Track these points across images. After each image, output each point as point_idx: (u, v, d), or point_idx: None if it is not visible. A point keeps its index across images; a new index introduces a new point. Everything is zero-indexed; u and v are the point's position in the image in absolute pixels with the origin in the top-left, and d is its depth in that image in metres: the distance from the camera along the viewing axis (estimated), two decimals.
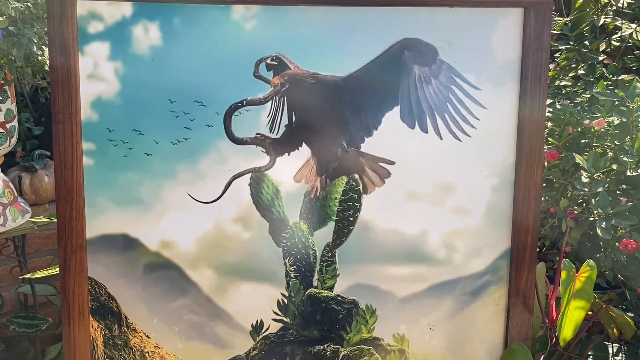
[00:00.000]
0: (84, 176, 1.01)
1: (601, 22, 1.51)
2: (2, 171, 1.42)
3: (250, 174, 1.04)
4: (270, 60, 1.01)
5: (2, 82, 1.20)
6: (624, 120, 1.23)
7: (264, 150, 1.03)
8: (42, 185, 1.59)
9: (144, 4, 0.98)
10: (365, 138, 1.04)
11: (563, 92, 1.53)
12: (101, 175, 1.02)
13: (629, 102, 1.22)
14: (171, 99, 1.01)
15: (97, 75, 1.00)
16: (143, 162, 1.02)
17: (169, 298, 1.05)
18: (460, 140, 1.05)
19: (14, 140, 1.35)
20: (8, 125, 1.31)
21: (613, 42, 1.55)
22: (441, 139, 1.04)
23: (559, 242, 1.37)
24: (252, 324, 1.07)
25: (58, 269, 1.27)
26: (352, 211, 1.05)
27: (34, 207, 1.58)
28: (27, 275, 1.32)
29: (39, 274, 1.27)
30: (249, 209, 1.04)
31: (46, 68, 1.20)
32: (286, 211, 1.05)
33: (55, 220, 1.27)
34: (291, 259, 1.06)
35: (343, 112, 1.03)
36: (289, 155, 1.04)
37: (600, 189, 1.16)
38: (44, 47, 1.19)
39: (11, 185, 1.41)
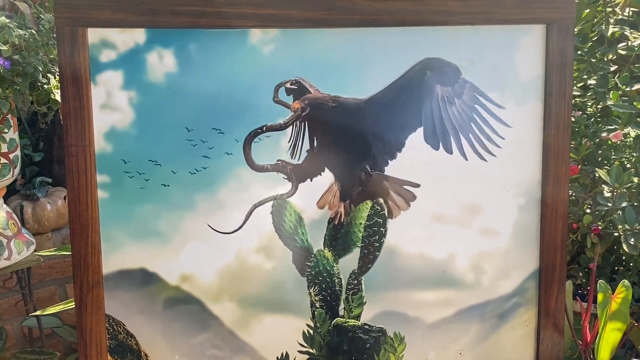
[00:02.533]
0: (99, 210, 0.97)
1: (610, 31, 1.50)
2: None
3: (272, 202, 1.00)
4: (290, 85, 0.98)
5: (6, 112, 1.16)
6: None
7: (286, 177, 1.00)
8: (45, 214, 1.54)
9: (157, 30, 0.95)
10: (389, 161, 1.01)
11: (573, 102, 1.52)
12: (117, 208, 0.98)
13: None
14: (188, 128, 0.97)
15: (110, 105, 0.96)
16: (160, 194, 0.98)
17: (190, 333, 1.01)
18: (485, 160, 1.02)
19: (17, 171, 1.31)
20: (11, 156, 1.27)
21: (620, 51, 1.54)
22: (466, 159, 1.02)
23: (580, 257, 1.35)
24: (277, 357, 1.03)
25: (68, 304, 1.22)
26: (377, 236, 1.02)
27: (36, 236, 1.53)
28: (37, 313, 1.27)
29: (50, 311, 1.22)
30: (271, 238, 1.01)
31: (52, 97, 1.16)
32: (310, 239, 1.01)
33: (61, 252, 1.22)
34: (316, 288, 1.02)
35: (366, 135, 1.00)
36: (311, 181, 1.01)
37: (624, 204, 1.15)
38: (49, 74, 1.15)
39: (14, 216, 1.37)
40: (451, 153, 1.01)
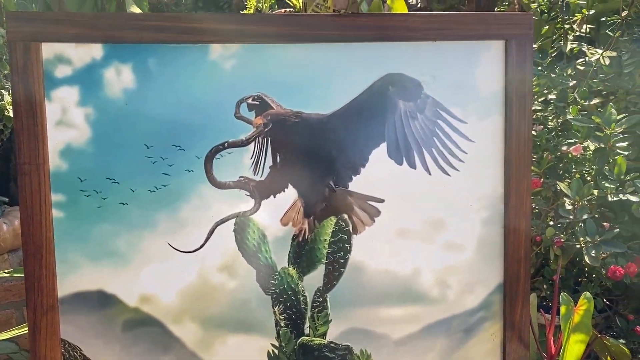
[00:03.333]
0: (54, 230, 0.94)
1: (568, 47, 1.54)
2: None
3: (235, 219, 0.98)
4: (252, 100, 0.96)
5: None
6: (602, 146, 1.24)
7: (249, 194, 0.98)
8: (1, 235, 1.49)
9: (115, 45, 0.93)
10: (353, 176, 1.00)
11: (535, 117, 1.55)
12: (73, 228, 0.94)
13: (605, 128, 1.23)
14: (148, 144, 0.95)
15: (66, 122, 0.93)
16: (119, 213, 0.95)
17: (151, 356, 0.98)
18: (448, 174, 1.02)
19: None
20: None
21: (578, 67, 1.58)
22: (429, 174, 1.02)
23: (544, 269, 1.37)
24: None
25: (24, 328, 1.17)
26: (342, 253, 1.01)
27: None
28: None
29: (5, 335, 1.17)
30: (234, 257, 0.99)
31: (6, 113, 1.12)
32: (274, 256, 1.00)
33: (17, 275, 1.18)
34: (280, 306, 1.00)
35: (329, 150, 0.99)
36: (274, 197, 0.99)
37: (585, 216, 1.16)
38: (3, 90, 1.12)
39: None
40: (415, 168, 1.01)
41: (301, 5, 3.29)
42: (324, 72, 0.98)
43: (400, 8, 2.00)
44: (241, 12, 3.12)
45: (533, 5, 1.64)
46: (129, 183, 0.95)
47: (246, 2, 3.13)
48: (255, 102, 0.97)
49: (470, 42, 1.02)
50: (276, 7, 3.41)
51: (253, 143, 0.97)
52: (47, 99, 0.92)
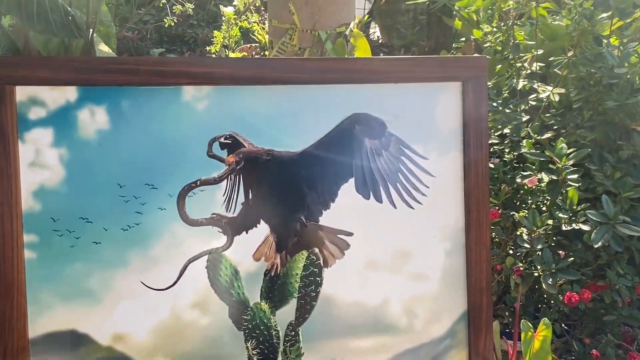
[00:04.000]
0: (26, 271, 0.94)
1: (520, 85, 1.64)
2: None
3: (207, 256, 1.00)
4: (224, 139, 1.00)
5: None
6: (555, 178, 1.32)
7: (221, 230, 1.00)
8: None
9: (89, 87, 0.95)
10: (323, 211, 1.04)
11: (491, 150, 1.63)
12: (45, 268, 0.95)
13: (557, 162, 1.31)
14: (120, 184, 0.97)
15: (39, 163, 0.94)
16: (91, 252, 0.96)
17: None
18: (412, 207, 1.07)
19: None
20: None
21: (531, 102, 1.67)
22: (395, 207, 1.07)
23: (505, 296, 1.42)
24: None
25: None
26: (313, 286, 1.04)
27: None
28: None
29: None
30: (206, 293, 1.00)
31: None
32: (246, 292, 1.02)
33: None
34: (253, 342, 1.02)
35: (300, 186, 1.03)
36: (247, 233, 1.02)
37: (540, 246, 1.23)
38: None
39: None
40: (381, 202, 1.06)
41: (267, 41, 3.37)
42: (293, 112, 1.03)
43: (363, 46, 2.08)
44: (207, 49, 3.17)
45: (487, 45, 1.74)
46: (102, 222, 0.96)
47: (213, 37, 3.19)
48: (227, 141, 1.00)
49: (429, 84, 1.08)
50: (242, 42, 3.48)
51: (225, 180, 1.00)
52: (20, 141, 0.93)
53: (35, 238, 0.94)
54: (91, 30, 1.80)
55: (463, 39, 2.30)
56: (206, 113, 0.99)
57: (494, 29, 1.73)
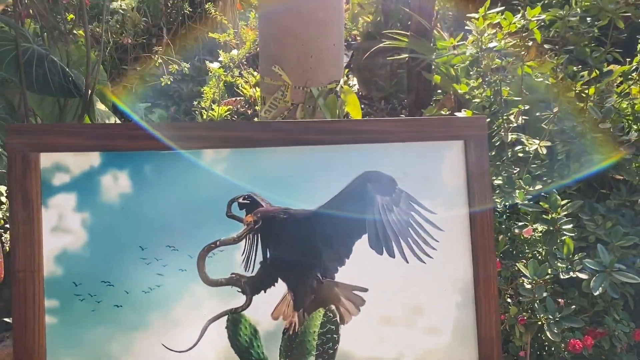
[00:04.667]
0: (47, 336, 0.93)
1: (509, 138, 1.72)
2: None
3: (227, 316, 1.01)
4: (242, 200, 1.03)
5: None
6: (550, 228, 1.38)
7: (240, 290, 1.02)
8: None
9: (112, 153, 0.98)
10: (338, 267, 1.07)
11: None
12: (66, 333, 0.94)
13: (552, 213, 1.37)
14: (142, 246, 0.98)
15: (62, 228, 0.95)
16: (113, 315, 0.96)
17: None
18: (424, 262, 1.11)
19: None
20: None
21: (519, 154, 1.75)
22: (407, 262, 1.10)
23: (508, 345, 1.45)
24: None
25: None
26: (331, 344, 1.05)
27: None
28: None
29: None
30: (226, 353, 1.01)
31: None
32: (265, 351, 1.03)
33: None
34: None
35: (316, 243, 1.06)
36: (265, 292, 1.03)
37: (544, 294, 1.27)
38: None
39: None
40: (394, 257, 1.09)
41: (252, 94, 3.44)
42: (308, 171, 1.07)
43: (353, 101, 2.16)
44: (194, 103, 3.21)
45: (476, 100, 1.83)
46: (124, 285, 0.97)
47: (200, 92, 3.24)
48: (245, 201, 1.03)
49: (434, 142, 1.14)
50: (226, 95, 3.54)
51: (244, 240, 1.03)
52: (44, 207, 0.95)
53: (56, 303, 0.94)
54: (89, 90, 1.83)
55: (439, 91, 2.40)
56: (225, 175, 1.03)
57: (481, 84, 1.82)
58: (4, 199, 1.58)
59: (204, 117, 3.21)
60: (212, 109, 3.28)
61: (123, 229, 0.97)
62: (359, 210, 1.08)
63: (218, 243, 1.01)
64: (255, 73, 3.60)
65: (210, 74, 3.34)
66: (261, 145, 1.05)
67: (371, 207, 1.09)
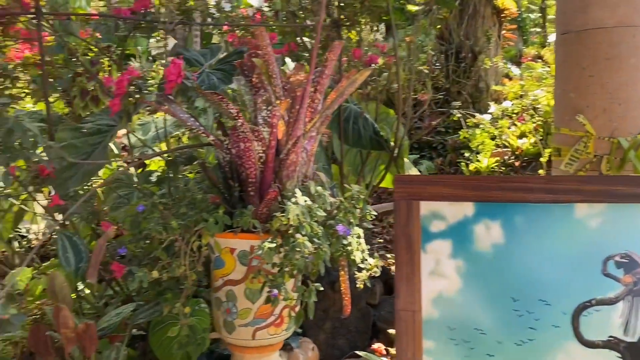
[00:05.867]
0: None
1: None
2: None
3: None
4: (620, 258, 0.96)
5: None
6: None
7: (620, 356, 0.94)
8: None
9: (485, 203, 1.01)
10: None
11: None
12: None
13: None
14: (514, 297, 0.98)
15: (438, 272, 1.01)
16: None
17: None
18: None
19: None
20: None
21: None
22: None
23: None
24: None
25: None
26: None
27: None
28: None
29: None
30: None
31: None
32: None
33: None
34: None
35: None
36: None
37: None
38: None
39: None
40: None
41: (520, 145, 3.33)
42: None
43: None
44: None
45: None
46: (496, 335, 0.98)
47: (468, 143, 3.26)
48: (623, 260, 0.96)
49: None
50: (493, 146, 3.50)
51: (622, 302, 0.96)
52: (422, 251, 1.02)
53: (432, 345, 0.99)
54: (399, 143, 1.98)
55: None
56: (599, 230, 0.98)
57: None
58: None
59: (470, 168, 3.21)
60: (478, 161, 3.27)
61: (495, 279, 0.99)
62: None
63: (594, 302, 0.96)
64: (517, 123, 3.50)
65: (478, 125, 3.35)
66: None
67: None
